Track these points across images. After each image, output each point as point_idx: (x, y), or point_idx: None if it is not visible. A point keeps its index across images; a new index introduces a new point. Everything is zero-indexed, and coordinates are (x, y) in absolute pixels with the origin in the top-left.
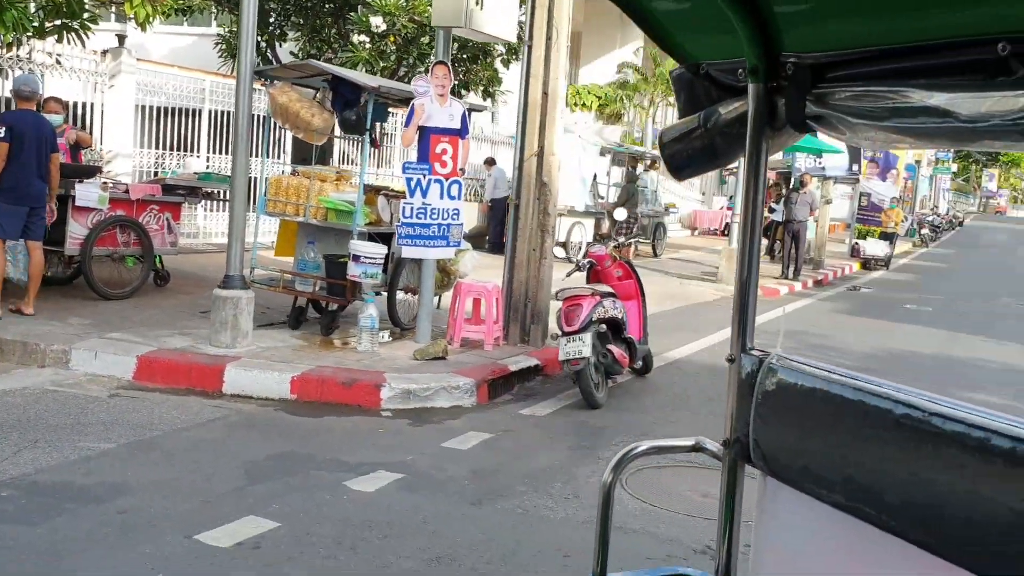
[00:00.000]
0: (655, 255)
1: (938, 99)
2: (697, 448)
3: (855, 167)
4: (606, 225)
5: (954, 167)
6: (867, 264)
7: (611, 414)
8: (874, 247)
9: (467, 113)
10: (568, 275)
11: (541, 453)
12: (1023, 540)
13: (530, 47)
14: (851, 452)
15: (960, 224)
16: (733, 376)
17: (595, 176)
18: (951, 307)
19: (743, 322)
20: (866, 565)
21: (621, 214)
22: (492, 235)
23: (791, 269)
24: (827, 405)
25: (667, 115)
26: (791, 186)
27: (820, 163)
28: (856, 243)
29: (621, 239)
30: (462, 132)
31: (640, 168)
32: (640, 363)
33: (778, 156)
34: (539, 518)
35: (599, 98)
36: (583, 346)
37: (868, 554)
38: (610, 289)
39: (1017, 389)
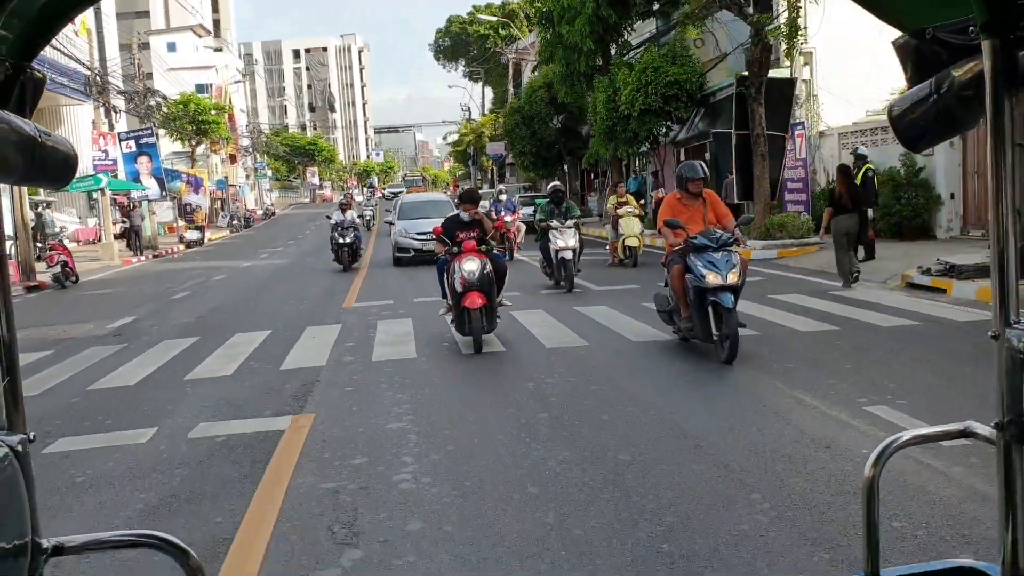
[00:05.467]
0: None
1: None
2: (967, 433)
3: (163, 192)
4: None
5: (269, 172)
6: (189, 245)
7: None
8: (192, 234)
9: None
10: None
11: None
12: None
13: None
14: None
15: (273, 215)
16: (1001, 353)
17: None
18: (207, 256)
19: (1004, 295)
20: None
21: None
22: None
23: (139, 249)
24: None
25: None
26: (129, 204)
27: (147, 194)
28: (182, 234)
29: None
30: None
31: None
32: None
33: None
34: None
35: None
36: None
37: None
38: None
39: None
